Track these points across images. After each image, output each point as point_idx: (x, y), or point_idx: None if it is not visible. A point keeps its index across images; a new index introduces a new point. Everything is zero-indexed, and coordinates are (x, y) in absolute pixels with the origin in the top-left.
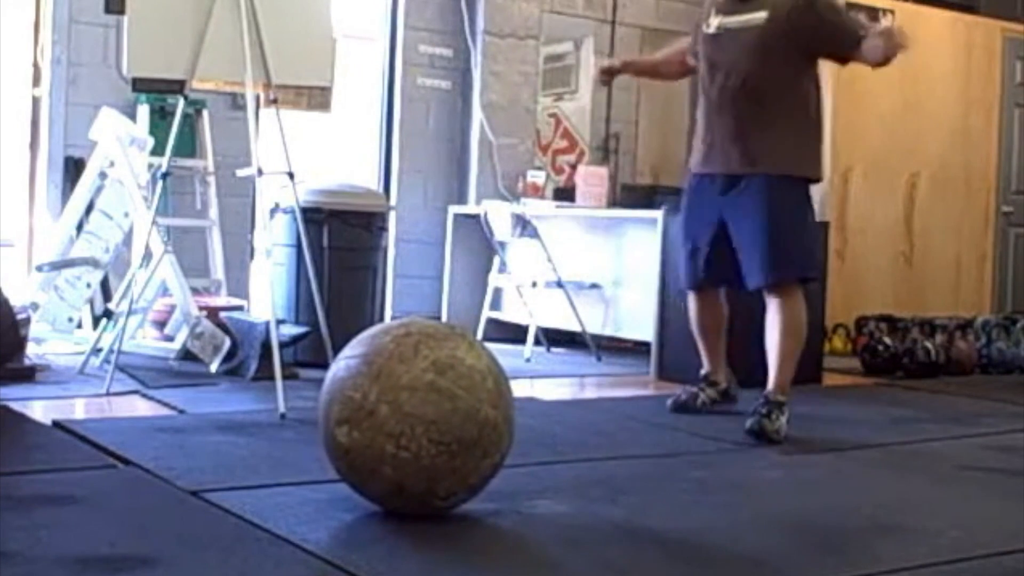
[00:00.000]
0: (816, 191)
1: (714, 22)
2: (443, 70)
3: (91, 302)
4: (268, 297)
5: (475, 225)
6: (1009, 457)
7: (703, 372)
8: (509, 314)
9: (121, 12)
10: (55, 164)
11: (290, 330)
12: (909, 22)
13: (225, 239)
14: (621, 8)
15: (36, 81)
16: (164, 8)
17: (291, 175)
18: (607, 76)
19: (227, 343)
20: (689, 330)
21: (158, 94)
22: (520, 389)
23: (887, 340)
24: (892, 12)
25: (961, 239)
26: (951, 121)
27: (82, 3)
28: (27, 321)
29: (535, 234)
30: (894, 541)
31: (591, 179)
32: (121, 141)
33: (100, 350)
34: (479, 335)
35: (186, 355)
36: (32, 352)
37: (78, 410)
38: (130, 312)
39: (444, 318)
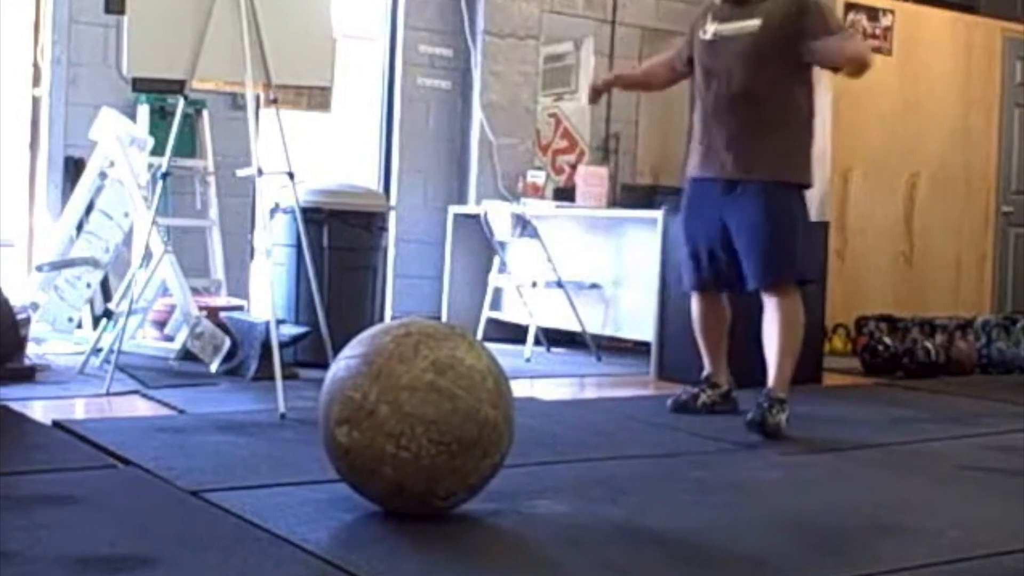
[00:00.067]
0: (816, 191)
1: (711, 28)
2: (443, 70)
3: (91, 302)
4: (268, 297)
5: (475, 225)
6: (1009, 457)
7: (704, 374)
8: (509, 314)
9: (121, 12)
10: (55, 164)
11: (290, 330)
12: (909, 22)
13: (225, 239)
14: (621, 8)
15: (36, 81)
16: (164, 8)
17: (291, 175)
18: (596, 95)
19: (227, 343)
20: (689, 330)
21: (158, 94)
22: (520, 389)
23: (887, 340)
24: (892, 12)
25: (961, 239)
26: (951, 121)
27: (82, 3)
28: (27, 321)
29: (535, 234)
30: (894, 541)
31: (591, 179)
32: (121, 141)
33: (100, 350)
34: (479, 335)
35: (186, 355)
36: (32, 352)
37: (78, 410)
38: (130, 312)
39: (444, 318)
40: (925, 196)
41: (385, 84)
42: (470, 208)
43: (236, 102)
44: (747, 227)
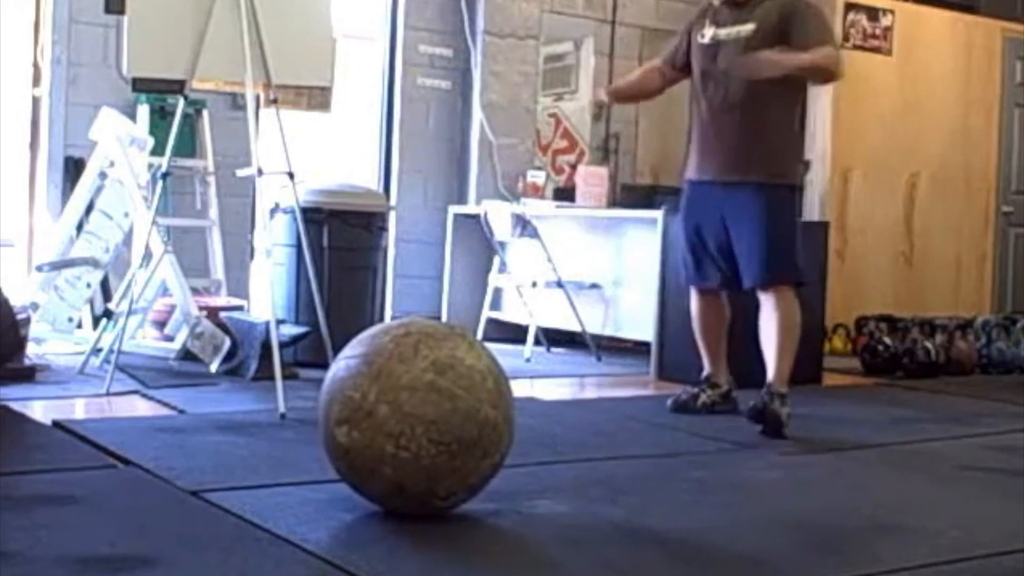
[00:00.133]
0: (816, 191)
1: (708, 32)
2: (443, 70)
3: (91, 302)
4: (268, 297)
5: (475, 225)
6: (1009, 457)
7: (704, 374)
8: (509, 314)
9: (121, 12)
10: (55, 164)
11: (290, 330)
12: (909, 22)
13: (225, 239)
14: (621, 8)
15: (36, 81)
16: (164, 8)
17: (291, 175)
18: (598, 109)
19: (227, 343)
20: (689, 330)
21: (158, 94)
22: (520, 389)
23: (887, 340)
24: (892, 12)
25: (961, 239)
26: (951, 121)
27: (82, 3)
28: (27, 321)
29: (535, 234)
30: (894, 541)
31: (591, 179)
32: (121, 141)
33: (100, 350)
34: (479, 335)
35: (186, 355)
36: (32, 352)
37: (78, 410)
38: (130, 312)
39: (444, 318)
40: (925, 196)
41: (385, 84)
42: (470, 208)
43: (236, 102)
44: (747, 226)
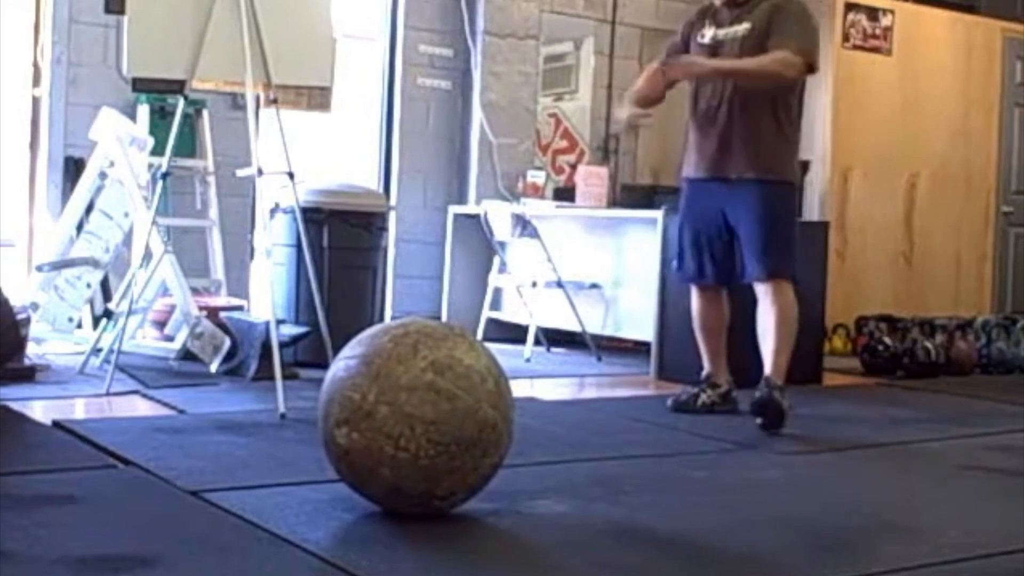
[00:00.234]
0: (816, 191)
1: (708, 32)
2: (443, 70)
3: (91, 302)
4: (268, 297)
5: (475, 225)
6: (1009, 457)
7: (704, 373)
8: (509, 314)
9: (121, 12)
10: (55, 164)
11: (290, 330)
12: (909, 22)
13: (225, 239)
14: (621, 8)
15: (36, 81)
16: (164, 8)
17: (291, 175)
18: (634, 126)
19: (227, 343)
20: (689, 330)
21: (158, 94)
22: (520, 389)
23: (887, 340)
24: (892, 12)
25: (961, 239)
26: (951, 121)
27: (82, 3)
28: (27, 321)
29: (535, 234)
30: (894, 541)
31: (591, 179)
32: (121, 141)
33: (100, 350)
34: (479, 335)
35: (186, 355)
36: (32, 352)
37: (78, 410)
38: (130, 312)
39: (444, 318)
40: (925, 196)
41: (385, 84)
42: (470, 208)
43: (236, 102)
44: (746, 222)
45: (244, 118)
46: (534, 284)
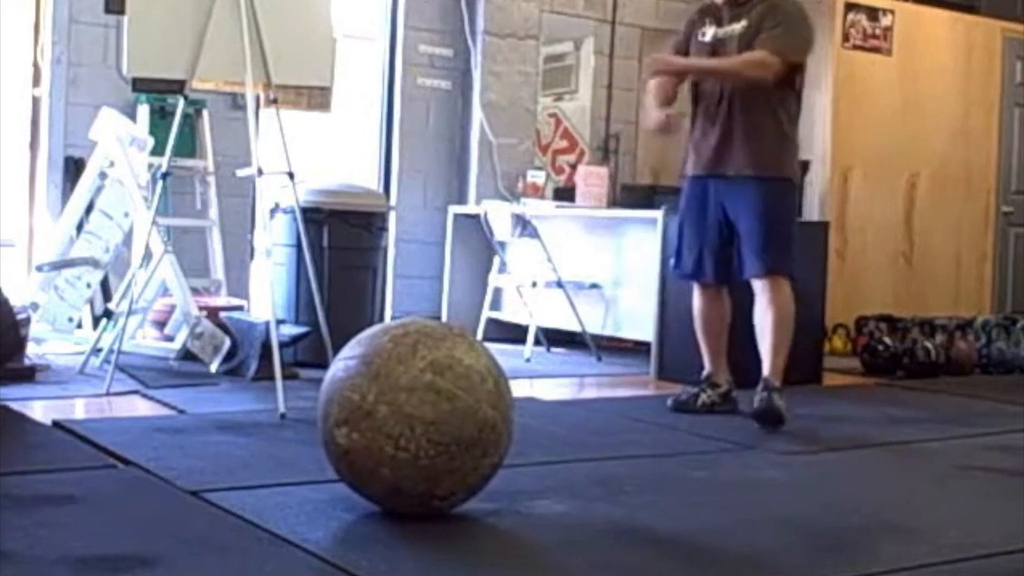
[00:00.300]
0: (816, 191)
1: (709, 31)
2: (443, 70)
3: (91, 302)
4: (268, 297)
5: (475, 225)
6: (1009, 457)
7: (704, 373)
8: (509, 314)
9: (121, 12)
10: (55, 164)
11: (290, 330)
12: (909, 22)
13: (225, 239)
14: (621, 8)
15: (36, 81)
16: (164, 8)
17: (291, 175)
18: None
19: (227, 343)
20: (689, 330)
21: (158, 94)
22: (520, 389)
23: (887, 340)
24: (892, 12)
25: (961, 239)
26: (951, 121)
27: (82, 3)
28: (27, 321)
29: (535, 234)
30: (894, 541)
31: (591, 179)
32: (121, 141)
33: (100, 350)
34: (479, 335)
35: (186, 355)
36: (32, 352)
37: (78, 410)
38: (130, 312)
39: (444, 318)
40: (925, 196)
41: (385, 84)
42: (470, 208)
43: (236, 102)
44: (745, 218)
45: (244, 118)
46: (534, 284)
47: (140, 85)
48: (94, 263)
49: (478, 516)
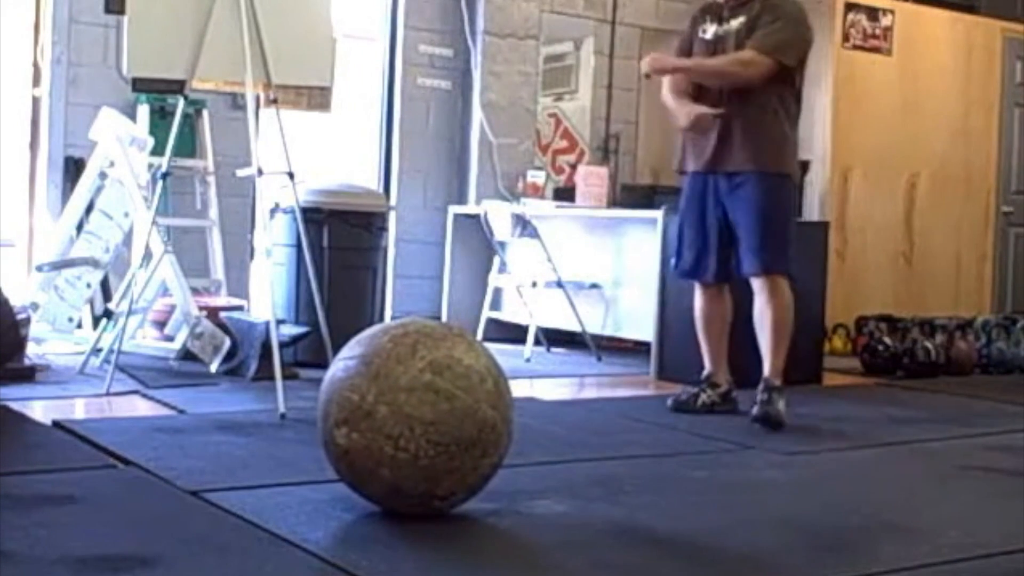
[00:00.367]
0: (816, 191)
1: (710, 29)
2: (443, 70)
3: (91, 302)
4: (268, 297)
5: (475, 225)
6: (1009, 457)
7: (704, 373)
8: (509, 314)
9: (121, 12)
10: (55, 164)
11: (290, 330)
12: (909, 22)
13: (225, 239)
14: (621, 8)
15: (36, 81)
16: (164, 8)
17: (291, 175)
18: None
19: (227, 343)
20: (689, 330)
21: (158, 94)
22: (520, 389)
23: (887, 340)
24: (892, 12)
25: (961, 239)
26: (951, 121)
27: (82, 3)
28: (27, 321)
29: (535, 234)
30: (894, 541)
31: (591, 179)
32: (121, 141)
33: (100, 350)
34: (479, 335)
35: (186, 355)
36: (32, 352)
37: (78, 410)
38: (130, 312)
39: (444, 318)
40: (925, 196)
41: (385, 84)
42: (470, 208)
43: (236, 102)
44: (745, 213)
45: (244, 118)
46: (534, 284)
47: (140, 85)
48: (94, 263)
49: (478, 516)
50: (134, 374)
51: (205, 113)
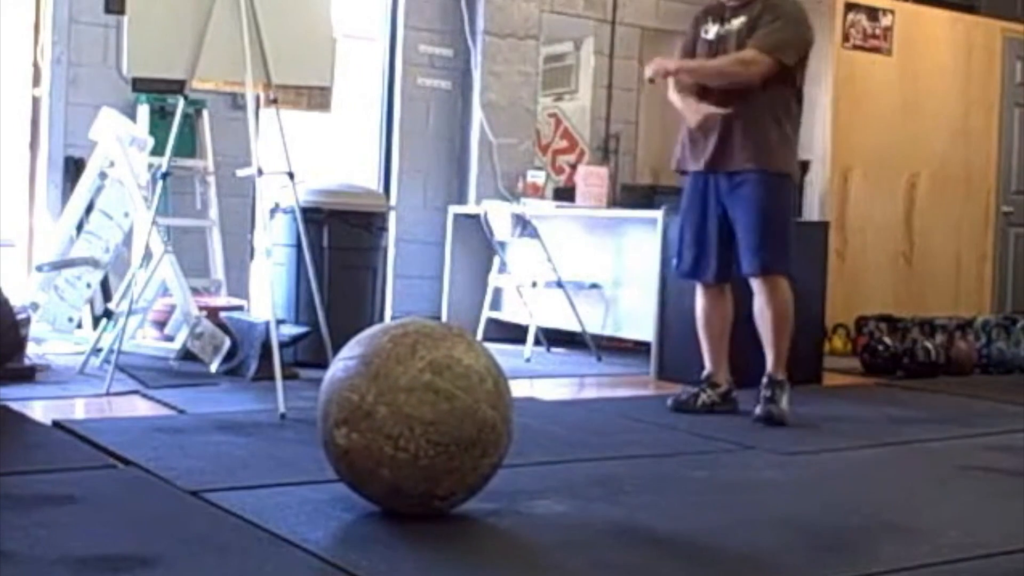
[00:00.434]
0: (816, 191)
1: (712, 29)
2: (443, 70)
3: (91, 302)
4: (268, 297)
5: (475, 225)
6: (1009, 457)
7: (704, 373)
8: (509, 314)
9: (121, 12)
10: (55, 164)
11: (290, 330)
12: (909, 22)
13: (225, 239)
14: (621, 8)
15: (36, 81)
16: (164, 8)
17: (291, 175)
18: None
19: (227, 343)
20: (689, 330)
21: (158, 94)
22: (520, 389)
23: (887, 340)
24: (892, 12)
25: (961, 239)
26: (951, 121)
27: (82, 3)
28: (27, 321)
29: (535, 234)
30: (894, 541)
31: (591, 179)
32: (121, 141)
33: (100, 350)
34: (479, 335)
35: (186, 355)
36: (32, 352)
37: (78, 410)
38: (130, 312)
39: (444, 318)
40: (925, 196)
41: (385, 84)
42: (470, 208)
43: (236, 102)
44: (745, 212)
45: (244, 118)
46: (534, 284)
47: (140, 85)
48: (94, 263)
49: (478, 516)
50: (134, 374)
51: (205, 113)
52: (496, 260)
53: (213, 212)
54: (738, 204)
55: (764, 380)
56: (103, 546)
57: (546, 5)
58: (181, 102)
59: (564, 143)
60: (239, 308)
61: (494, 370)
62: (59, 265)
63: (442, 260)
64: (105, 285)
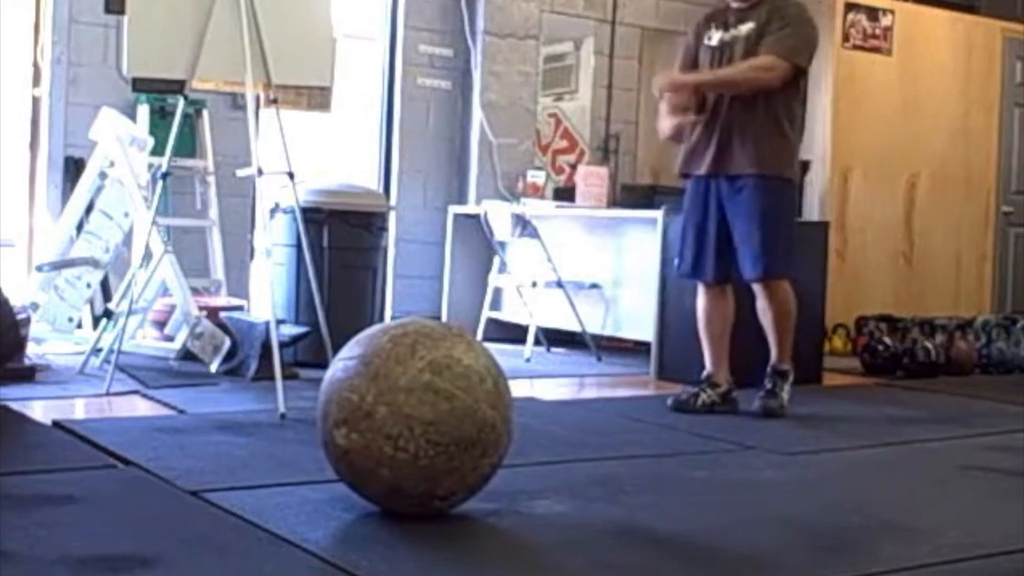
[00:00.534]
0: (816, 191)
1: (715, 35)
2: (443, 70)
3: (91, 302)
4: (268, 297)
5: (475, 225)
6: (1009, 457)
7: (705, 373)
8: (509, 314)
9: (121, 12)
10: (55, 164)
11: (290, 330)
12: (909, 22)
13: (225, 239)
14: (621, 8)
15: (36, 81)
16: (164, 8)
17: (291, 175)
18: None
19: (227, 343)
20: (689, 330)
21: (158, 94)
22: (520, 389)
23: (887, 340)
24: (892, 12)
25: (961, 239)
26: (951, 121)
27: (82, 3)
28: (27, 321)
29: (535, 234)
30: (894, 541)
31: (591, 179)
32: (121, 141)
33: (100, 350)
34: (479, 335)
35: (186, 355)
36: (32, 352)
37: (78, 410)
38: (130, 312)
39: (444, 318)
40: (925, 196)
41: (385, 84)
42: (470, 208)
43: (236, 102)
44: (745, 217)
45: (244, 118)
46: (534, 284)
47: (140, 85)
48: (94, 263)
49: (478, 516)
50: (134, 374)
51: (205, 113)
52: (496, 260)
53: (213, 212)
54: (738, 209)
55: (768, 370)
56: (103, 546)
57: (546, 5)
58: (181, 102)
59: (564, 143)
60: (239, 308)
61: (494, 370)
62: (59, 265)
63: (442, 260)
64: (105, 285)
